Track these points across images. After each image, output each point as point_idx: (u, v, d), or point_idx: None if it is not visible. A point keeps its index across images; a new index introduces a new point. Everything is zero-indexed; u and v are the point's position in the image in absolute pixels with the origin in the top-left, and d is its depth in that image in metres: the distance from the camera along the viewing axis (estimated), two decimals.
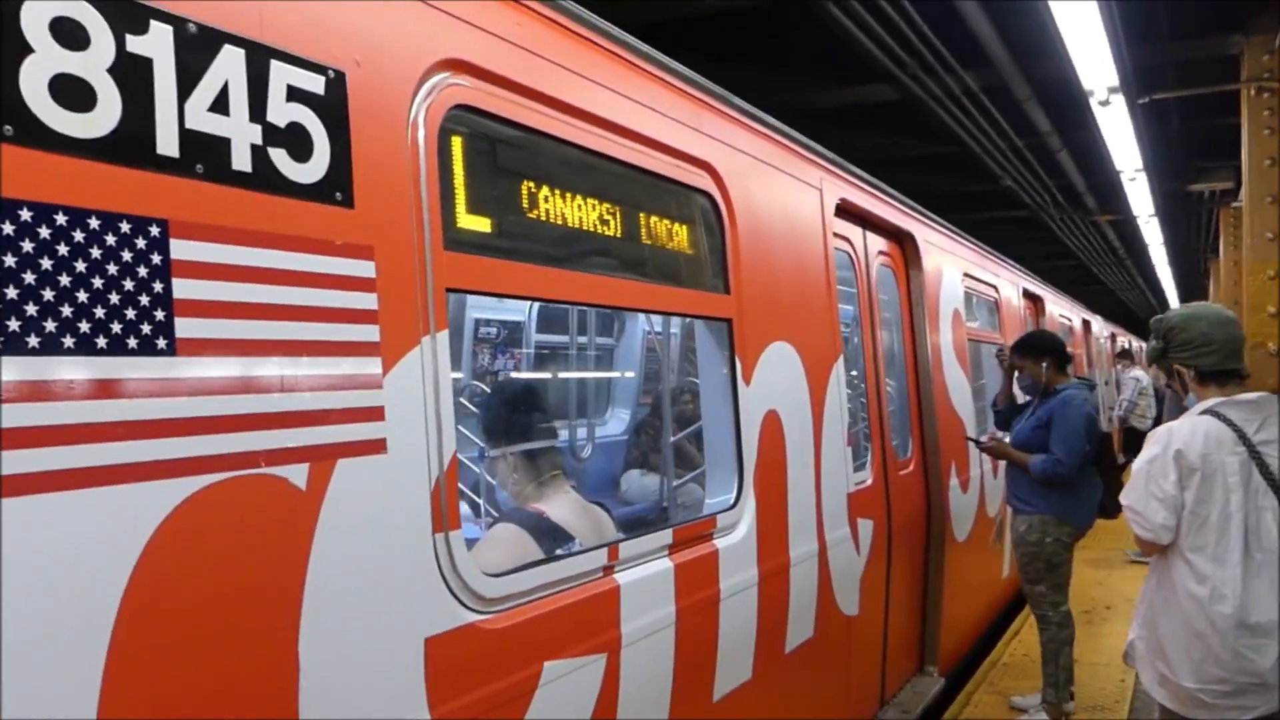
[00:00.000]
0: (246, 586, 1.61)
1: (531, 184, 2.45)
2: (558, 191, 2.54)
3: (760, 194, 3.61)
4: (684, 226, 3.13)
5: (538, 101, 2.42)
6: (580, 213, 2.62)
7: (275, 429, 1.66)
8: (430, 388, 2.00)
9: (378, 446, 1.86)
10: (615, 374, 7.84)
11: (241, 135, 1.67)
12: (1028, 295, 9.43)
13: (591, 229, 2.67)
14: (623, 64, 2.83)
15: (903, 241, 5.56)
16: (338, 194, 1.84)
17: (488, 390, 5.65)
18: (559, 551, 2.86)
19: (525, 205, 2.44)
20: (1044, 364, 5.08)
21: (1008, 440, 5.30)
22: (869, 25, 5.59)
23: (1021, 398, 5.64)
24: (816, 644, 3.78)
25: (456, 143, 2.21)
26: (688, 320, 6.26)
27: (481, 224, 2.27)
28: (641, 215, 2.93)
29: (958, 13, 5.50)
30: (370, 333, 1.87)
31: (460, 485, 2.20)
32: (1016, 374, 5.55)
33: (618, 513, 5.77)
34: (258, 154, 1.69)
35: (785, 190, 3.88)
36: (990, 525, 6.86)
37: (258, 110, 1.70)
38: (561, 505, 3.07)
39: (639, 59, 2.92)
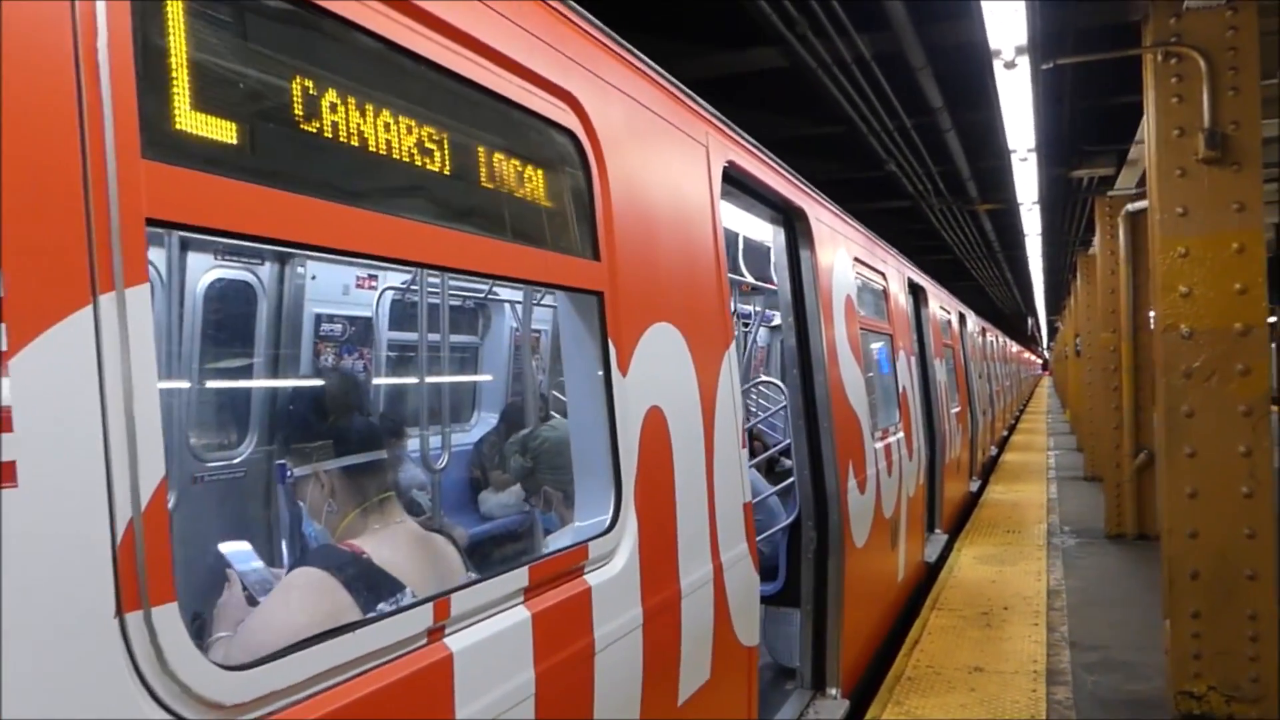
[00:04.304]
0: None
1: (309, 82, 1.69)
2: (352, 99, 1.78)
3: (636, 141, 2.94)
4: (538, 171, 2.42)
5: None
6: (389, 134, 1.87)
7: None
8: (114, 377, 1.23)
9: None
10: (482, 376, 7.13)
11: None
12: (912, 286, 9.10)
13: (406, 158, 1.93)
14: None
15: (793, 218, 5.00)
16: None
17: (290, 386, 4.79)
18: (381, 606, 2.12)
19: (300, 111, 1.67)
20: None
21: None
22: None
23: None
24: (715, 686, 3.12)
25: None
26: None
27: (221, 128, 1.50)
28: (481, 150, 2.20)
29: None
30: None
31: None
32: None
33: (475, 532, 5.04)
34: None
35: (667, 141, 3.21)
36: (886, 527, 6.39)
37: None
38: (390, 540, 2.33)
39: None
